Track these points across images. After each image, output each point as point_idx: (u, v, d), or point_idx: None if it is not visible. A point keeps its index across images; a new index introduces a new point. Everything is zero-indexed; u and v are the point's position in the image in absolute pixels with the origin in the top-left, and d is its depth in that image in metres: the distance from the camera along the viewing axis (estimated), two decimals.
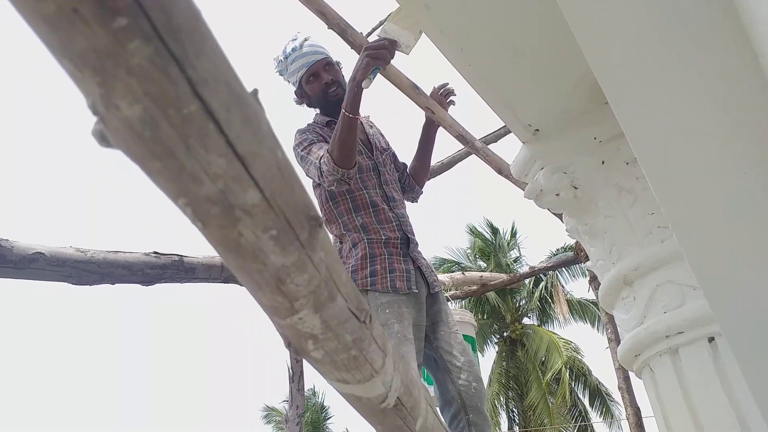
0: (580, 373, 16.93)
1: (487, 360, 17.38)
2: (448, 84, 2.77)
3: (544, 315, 17.91)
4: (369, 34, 2.59)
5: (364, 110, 2.29)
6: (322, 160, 2.26)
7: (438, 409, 2.39)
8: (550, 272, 16.09)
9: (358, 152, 2.51)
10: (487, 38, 1.90)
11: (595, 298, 4.28)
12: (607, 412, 16.75)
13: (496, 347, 17.72)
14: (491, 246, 17.99)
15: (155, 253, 1.82)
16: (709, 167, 1.08)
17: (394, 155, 2.73)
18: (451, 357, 2.42)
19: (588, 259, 3.80)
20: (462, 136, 2.80)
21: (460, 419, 2.35)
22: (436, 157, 3.45)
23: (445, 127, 2.73)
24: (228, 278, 2.05)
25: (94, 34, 0.24)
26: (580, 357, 17.13)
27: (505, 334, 17.63)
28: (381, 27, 2.10)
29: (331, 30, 2.47)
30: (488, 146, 3.15)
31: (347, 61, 2.64)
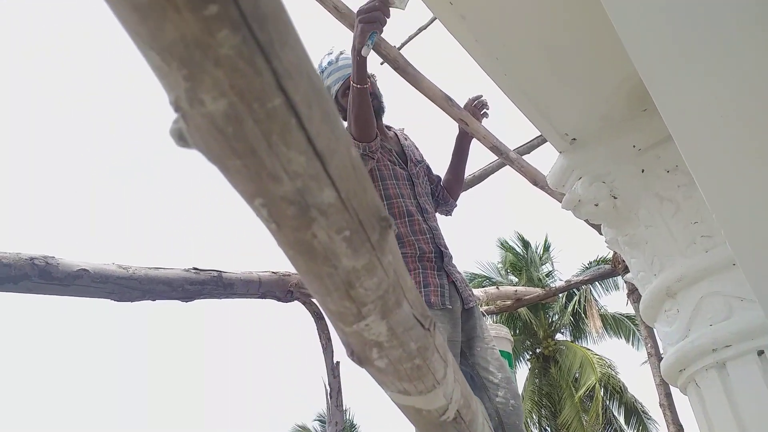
0: (615, 390, 16.55)
1: (519, 377, 17.12)
2: (482, 96, 2.75)
3: (578, 330, 17.60)
4: (401, 46, 2.59)
5: (398, 123, 2.29)
6: None
7: None
8: (584, 287, 15.86)
9: (393, 163, 2.50)
10: (523, 47, 1.89)
11: (633, 311, 4.19)
12: (644, 430, 16.34)
13: (529, 364, 17.46)
14: (522, 260, 17.80)
15: (195, 269, 1.84)
16: (763, 171, 1.04)
17: (428, 168, 2.72)
18: (487, 373, 2.38)
19: (626, 271, 3.72)
20: (496, 148, 2.77)
21: None
22: (468, 170, 3.42)
23: (478, 139, 2.71)
24: (265, 294, 2.06)
25: (184, 22, 0.23)
26: (614, 373, 16.77)
27: (537, 350, 17.36)
28: None
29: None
30: (522, 157, 3.11)
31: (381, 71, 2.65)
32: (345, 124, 2.57)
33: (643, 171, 2.19)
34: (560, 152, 2.34)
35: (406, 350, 0.45)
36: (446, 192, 2.75)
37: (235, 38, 0.24)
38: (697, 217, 2.06)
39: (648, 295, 2.18)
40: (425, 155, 2.74)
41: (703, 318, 1.97)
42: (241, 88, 0.25)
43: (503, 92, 2.06)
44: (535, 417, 16.72)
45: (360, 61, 2.08)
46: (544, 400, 16.73)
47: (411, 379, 0.48)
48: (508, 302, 4.40)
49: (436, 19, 2.13)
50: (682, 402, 3.61)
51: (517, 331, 16.66)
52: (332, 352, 2.34)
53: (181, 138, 0.29)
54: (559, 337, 17.60)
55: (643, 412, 16.45)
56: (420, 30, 2.80)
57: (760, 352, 1.85)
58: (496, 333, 3.16)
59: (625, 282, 3.86)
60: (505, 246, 18.29)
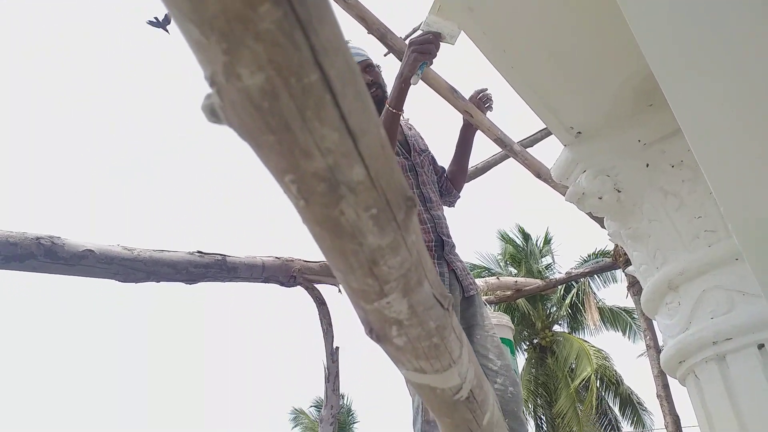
0: (610, 381, 16.64)
1: (518, 366, 17.18)
2: (486, 89, 2.75)
3: (575, 322, 17.67)
4: (408, 36, 2.58)
5: (404, 114, 2.28)
6: None
7: None
8: (582, 279, 15.90)
9: (396, 153, 2.50)
10: (531, 40, 1.88)
11: (630, 305, 4.21)
12: (638, 422, 16.44)
13: (526, 354, 17.54)
14: (522, 252, 17.83)
15: (199, 252, 1.84)
16: None
17: (432, 158, 2.72)
18: (486, 361, 2.39)
19: (627, 264, 3.73)
20: (500, 140, 2.77)
21: None
22: (471, 162, 3.42)
23: (483, 131, 2.71)
24: (268, 278, 2.07)
25: None
26: (610, 365, 16.85)
27: (534, 341, 17.43)
28: (424, 21, 2.07)
29: (371, 35, 2.47)
30: (525, 150, 3.12)
31: (386, 64, 2.64)
32: None
33: (647, 165, 2.19)
34: (565, 145, 2.34)
35: (425, 329, 0.45)
36: (450, 183, 2.75)
37: (277, 13, 0.24)
38: (700, 211, 2.06)
39: (650, 287, 2.18)
40: (430, 146, 2.74)
41: (705, 311, 1.98)
42: (279, 62, 0.26)
43: (509, 85, 2.06)
44: (530, 406, 16.82)
45: (404, 88, 2.13)
46: (540, 389, 16.83)
47: (428, 357, 0.49)
48: (508, 293, 4.41)
49: None
50: (679, 393, 3.64)
51: (516, 322, 16.70)
52: (332, 337, 2.35)
53: (213, 113, 0.29)
54: (556, 328, 17.68)
55: (638, 403, 16.55)
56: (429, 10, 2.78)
57: (761, 346, 1.86)
58: (497, 321, 3.17)
59: (626, 275, 3.87)
60: (505, 238, 18.32)
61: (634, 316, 16.05)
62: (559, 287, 15.43)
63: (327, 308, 2.40)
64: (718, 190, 1.13)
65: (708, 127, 1.11)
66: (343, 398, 19.59)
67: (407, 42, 2.12)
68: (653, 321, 3.75)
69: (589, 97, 2.09)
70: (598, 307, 16.77)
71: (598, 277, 16.75)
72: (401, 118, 2.24)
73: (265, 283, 2.12)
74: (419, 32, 2.11)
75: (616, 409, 16.74)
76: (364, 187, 0.32)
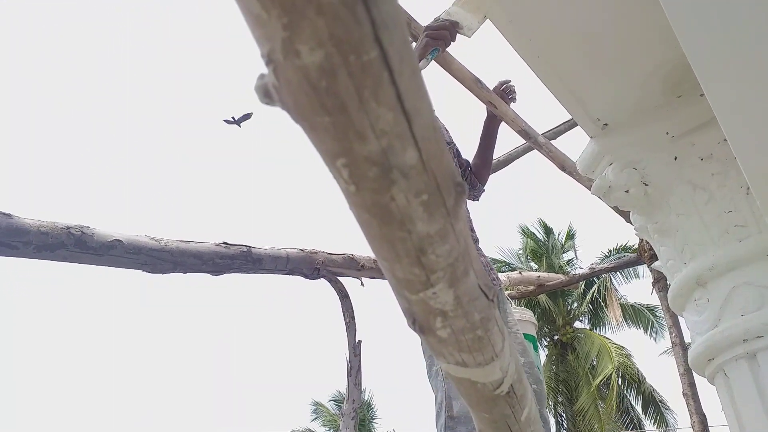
0: (632, 379, 16.49)
1: (541, 363, 17.08)
2: (510, 81, 2.72)
3: (596, 319, 17.52)
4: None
5: None
6: None
7: None
8: (603, 275, 15.75)
9: None
10: (558, 28, 1.86)
11: (653, 301, 4.15)
12: (661, 420, 16.27)
13: (546, 350, 17.43)
14: (543, 247, 17.70)
15: (225, 243, 1.85)
16: None
17: (457, 151, 2.70)
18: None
19: (652, 260, 3.68)
20: (525, 131, 2.74)
21: None
22: (494, 155, 3.39)
23: (507, 122, 2.68)
24: (292, 270, 2.07)
25: None
26: (632, 363, 16.69)
27: (555, 337, 17.32)
28: (445, 9, 2.06)
29: None
30: (550, 142, 3.08)
31: None
32: None
33: (675, 158, 2.16)
34: (591, 137, 2.31)
35: (469, 320, 0.44)
36: (474, 177, 2.73)
37: None
38: (730, 206, 2.02)
39: (677, 283, 2.15)
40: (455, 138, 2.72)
41: (735, 308, 1.94)
42: (340, 38, 0.25)
43: (535, 74, 2.03)
44: (551, 403, 16.73)
45: None
46: (561, 386, 16.72)
47: (471, 350, 0.48)
48: (530, 288, 4.38)
49: None
50: (705, 392, 3.59)
51: (536, 318, 16.59)
52: (355, 330, 2.35)
53: (266, 94, 0.28)
54: (577, 324, 17.54)
55: (661, 402, 16.37)
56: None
57: None
58: (520, 316, 3.15)
59: (650, 270, 3.82)
60: (526, 232, 18.19)
61: (657, 313, 15.89)
62: (581, 283, 15.29)
63: (350, 301, 2.40)
64: (755, 183, 1.10)
65: (745, 117, 1.08)
66: (363, 393, 19.60)
67: (424, 27, 2.10)
68: (679, 318, 3.69)
69: (616, 87, 2.06)
70: (620, 304, 16.60)
71: (621, 273, 16.57)
72: None
73: (289, 275, 2.13)
74: (438, 19, 2.10)
75: (639, 408, 16.58)
76: (416, 171, 0.31)
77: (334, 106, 0.27)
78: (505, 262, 17.46)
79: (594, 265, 4.59)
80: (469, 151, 2.79)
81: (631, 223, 2.52)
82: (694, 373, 2.91)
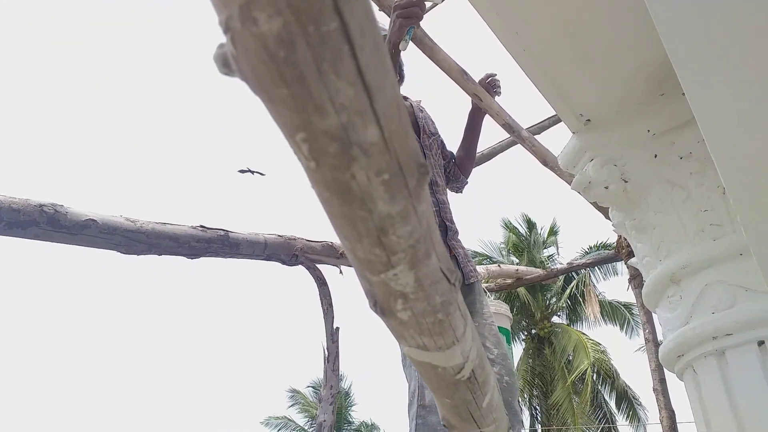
0: (607, 375, 16.69)
1: (513, 356, 17.19)
2: (496, 75, 2.72)
3: (574, 314, 17.67)
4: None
5: (415, 95, 2.26)
6: None
7: None
8: (583, 271, 15.89)
9: None
10: (544, 23, 1.86)
11: (630, 299, 4.20)
12: (633, 416, 16.51)
13: (524, 344, 17.58)
14: (525, 242, 17.78)
15: (202, 226, 1.83)
16: None
17: (442, 142, 2.69)
18: (483, 349, 2.38)
19: (629, 257, 3.72)
20: (508, 125, 2.75)
21: None
22: (478, 148, 3.39)
23: (491, 115, 2.68)
24: (270, 256, 2.06)
25: None
26: (607, 359, 16.89)
27: (533, 331, 17.46)
28: None
29: None
30: (533, 137, 3.09)
31: None
32: None
33: (656, 156, 2.18)
34: (573, 133, 2.32)
35: (430, 303, 0.44)
36: (458, 169, 2.73)
37: None
38: (707, 205, 2.05)
39: (652, 280, 2.18)
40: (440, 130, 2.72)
41: (706, 306, 1.97)
42: (299, 6, 0.24)
43: (521, 68, 2.03)
44: (526, 396, 16.89)
45: (394, 54, 2.09)
46: (537, 380, 16.88)
47: (432, 333, 0.48)
48: (509, 281, 4.41)
49: None
50: (675, 388, 3.64)
51: (515, 311, 16.73)
52: (332, 317, 2.35)
53: (225, 64, 0.28)
54: (555, 319, 17.69)
55: (633, 398, 16.60)
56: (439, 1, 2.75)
57: (761, 343, 1.85)
58: (495, 309, 3.17)
59: (627, 267, 3.86)
60: (508, 226, 18.26)
61: (633, 311, 16.07)
62: (560, 278, 15.43)
63: (328, 288, 2.39)
64: (729, 182, 1.12)
65: (722, 116, 1.09)
66: (341, 380, 19.65)
67: (393, 7, 2.07)
68: (653, 314, 3.75)
69: (600, 83, 2.07)
70: (599, 301, 16.77)
71: (599, 269, 16.73)
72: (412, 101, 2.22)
73: (267, 260, 2.11)
74: None
75: (612, 403, 16.80)
76: (377, 149, 0.31)
77: (293, 77, 0.27)
78: (486, 255, 17.51)
79: (572, 261, 4.63)
80: (453, 143, 2.79)
81: (609, 219, 2.54)
82: (665, 370, 2.96)
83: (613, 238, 4.26)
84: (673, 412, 3.57)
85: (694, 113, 1.06)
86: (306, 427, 19.69)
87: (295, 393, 20.21)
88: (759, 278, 1.77)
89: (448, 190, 2.70)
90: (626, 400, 16.64)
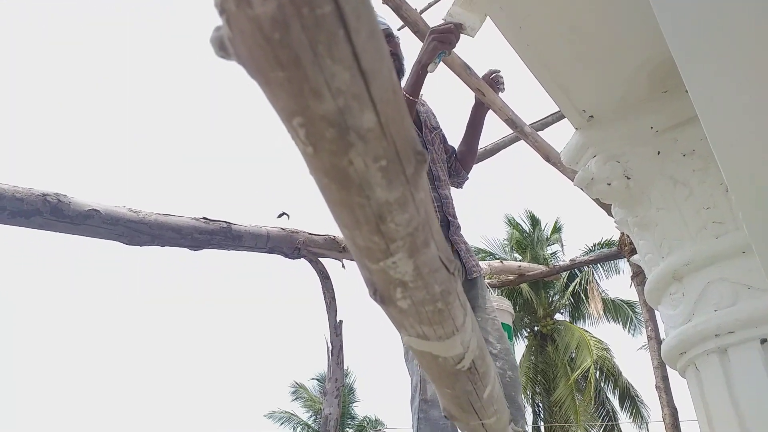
0: (610, 373, 16.69)
1: (516, 353, 17.17)
2: (500, 72, 2.72)
3: (576, 312, 17.67)
4: (423, 10, 2.55)
5: None
6: None
7: None
8: (586, 268, 15.87)
9: None
10: (548, 18, 1.85)
11: (633, 297, 4.19)
12: (637, 414, 16.51)
13: (526, 341, 17.59)
14: (528, 238, 17.77)
15: (204, 218, 1.84)
16: None
17: (443, 137, 2.69)
18: (486, 344, 2.39)
19: (632, 254, 3.72)
20: (511, 120, 2.75)
21: None
22: (480, 144, 3.39)
23: (494, 110, 2.68)
24: (272, 248, 2.06)
25: None
26: (610, 357, 16.89)
27: (536, 328, 17.46)
28: (447, 11, 2.09)
29: (385, 5, 2.44)
30: (536, 132, 3.09)
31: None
32: None
33: (658, 153, 2.17)
34: (576, 129, 2.31)
35: (429, 292, 0.44)
36: (459, 164, 2.72)
37: None
38: (709, 202, 2.04)
39: (654, 277, 2.17)
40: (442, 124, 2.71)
41: (708, 303, 1.97)
42: None
43: (524, 63, 2.03)
44: (529, 393, 16.91)
45: (421, 75, 2.16)
46: (539, 377, 16.89)
47: (431, 323, 0.48)
48: (511, 277, 4.41)
49: None
50: (678, 386, 3.64)
51: (518, 308, 16.73)
52: (335, 310, 2.35)
53: (221, 47, 0.28)
54: (558, 317, 17.69)
55: (636, 396, 16.60)
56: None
57: (763, 341, 1.85)
58: (497, 305, 3.17)
59: (630, 264, 3.86)
60: (512, 223, 18.25)
61: (636, 309, 16.05)
62: (563, 276, 15.40)
63: (330, 282, 2.40)
64: (731, 179, 1.11)
65: (725, 114, 1.09)
66: (346, 375, 19.64)
67: (429, 30, 2.13)
68: (656, 311, 3.74)
69: (603, 78, 2.06)
70: (601, 298, 16.76)
71: (602, 267, 16.72)
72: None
73: (269, 253, 2.12)
74: (441, 21, 2.13)
75: (615, 402, 16.81)
76: (374, 135, 0.31)
77: (289, 60, 0.27)
78: (489, 252, 17.51)
79: (575, 258, 4.62)
80: (455, 138, 2.79)
81: (612, 216, 2.54)
82: (668, 367, 2.96)
83: (616, 236, 4.25)
84: (676, 409, 3.57)
85: (697, 110, 1.06)
86: (309, 422, 19.71)
87: (298, 387, 20.24)
88: (761, 276, 1.77)
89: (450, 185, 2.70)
90: (629, 397, 16.64)
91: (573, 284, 16.87)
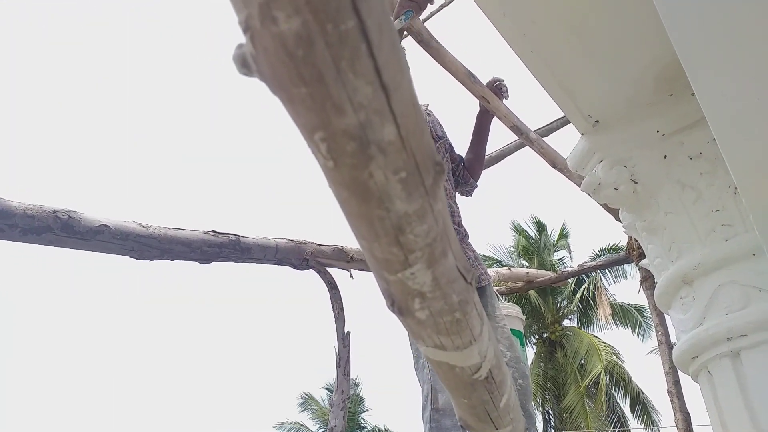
0: (620, 378, 16.59)
1: (527, 358, 17.09)
2: (504, 80, 2.72)
3: (585, 317, 17.59)
4: (426, 19, 2.56)
5: (422, 99, 2.25)
6: None
7: None
8: (593, 274, 15.81)
9: None
10: (551, 24, 1.86)
11: (641, 301, 4.17)
12: (648, 420, 16.39)
13: (535, 348, 17.50)
14: (534, 245, 17.72)
15: (213, 231, 1.85)
16: None
17: (450, 146, 2.70)
18: None
19: (640, 258, 3.70)
20: (517, 127, 2.75)
21: None
22: (486, 151, 3.39)
23: (499, 117, 2.68)
24: (281, 260, 2.07)
25: None
26: (620, 362, 16.78)
27: (544, 334, 17.38)
28: None
29: None
30: (542, 138, 3.09)
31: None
32: None
33: (665, 157, 2.17)
34: (582, 134, 2.31)
35: (447, 302, 0.44)
36: (467, 172, 2.73)
37: None
38: (718, 205, 2.04)
39: (664, 281, 2.16)
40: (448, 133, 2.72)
41: (719, 306, 1.95)
42: (317, 5, 0.24)
43: (529, 70, 2.03)
44: (539, 400, 16.80)
45: None
46: (549, 384, 16.79)
47: (449, 333, 0.48)
48: (519, 284, 4.39)
49: None
50: (690, 390, 3.61)
51: (526, 315, 16.59)
52: (344, 321, 2.35)
53: (244, 64, 0.28)
54: (566, 323, 17.60)
55: (646, 401, 16.48)
56: (446, 3, 2.76)
57: None
58: (507, 312, 3.16)
59: (638, 269, 3.84)
60: (518, 229, 18.21)
61: (645, 313, 15.97)
62: (570, 281, 15.34)
63: (339, 293, 2.40)
64: (741, 181, 1.11)
65: (733, 115, 1.09)
66: (355, 386, 19.57)
67: None
68: (666, 316, 3.72)
69: (609, 83, 2.06)
70: (610, 303, 16.68)
71: (610, 272, 16.64)
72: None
73: (278, 265, 2.12)
74: None
75: (626, 407, 16.68)
76: (394, 148, 0.31)
77: (312, 77, 0.27)
78: (495, 259, 17.47)
79: (583, 263, 4.60)
80: (461, 146, 2.80)
81: (620, 221, 2.53)
82: (679, 372, 2.94)
83: (624, 240, 4.23)
84: (689, 414, 3.54)
85: (705, 113, 1.06)
86: None
87: (307, 398, 20.18)
88: None
89: (457, 194, 2.71)
90: (640, 403, 16.52)
91: (581, 290, 16.81)
